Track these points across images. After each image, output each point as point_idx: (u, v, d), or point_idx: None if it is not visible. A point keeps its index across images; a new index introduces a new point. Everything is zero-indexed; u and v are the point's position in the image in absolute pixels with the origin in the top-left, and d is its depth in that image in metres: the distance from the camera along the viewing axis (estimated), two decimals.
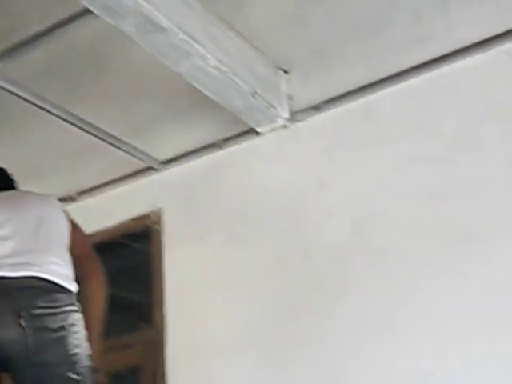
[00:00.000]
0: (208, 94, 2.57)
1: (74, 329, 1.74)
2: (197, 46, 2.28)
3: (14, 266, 1.71)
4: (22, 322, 1.64)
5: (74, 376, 1.70)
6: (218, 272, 2.91)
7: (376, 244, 2.52)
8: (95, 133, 2.84)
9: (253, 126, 2.87)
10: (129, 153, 3.01)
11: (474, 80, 2.46)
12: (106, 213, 3.28)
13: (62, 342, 1.69)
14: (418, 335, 2.32)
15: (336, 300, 2.55)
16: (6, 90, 2.51)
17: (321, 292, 2.60)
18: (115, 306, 3.68)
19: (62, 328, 1.70)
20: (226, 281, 2.87)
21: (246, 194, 2.95)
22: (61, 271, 1.80)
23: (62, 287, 1.76)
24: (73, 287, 1.83)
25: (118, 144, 2.94)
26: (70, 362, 1.70)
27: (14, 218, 1.85)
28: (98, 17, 2.13)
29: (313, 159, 2.79)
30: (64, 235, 1.96)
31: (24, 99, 2.59)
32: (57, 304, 1.72)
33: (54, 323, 1.68)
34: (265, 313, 2.71)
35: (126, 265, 3.33)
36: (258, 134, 2.92)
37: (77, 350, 1.72)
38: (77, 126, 2.82)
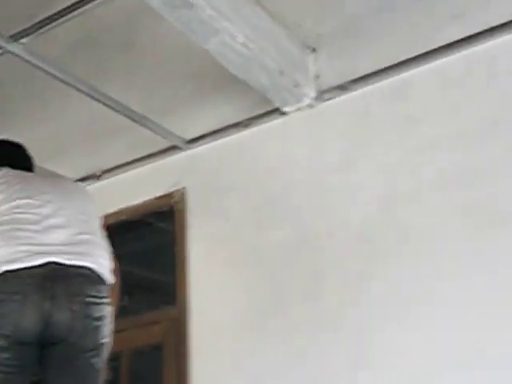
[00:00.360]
0: (234, 72, 2.54)
1: (106, 321, 1.87)
2: (225, 23, 2.25)
3: (69, 254, 1.81)
4: (74, 307, 1.76)
5: (96, 364, 1.84)
6: (242, 250, 2.91)
7: (403, 222, 2.50)
8: (121, 110, 2.84)
9: (279, 105, 2.84)
10: (154, 131, 3.00)
11: (508, 59, 2.39)
12: (130, 191, 3.28)
13: (97, 330, 1.81)
14: (444, 312, 2.30)
15: (362, 278, 2.54)
16: (33, 65, 2.50)
17: (346, 270, 2.58)
18: (138, 284, 3.73)
19: (100, 318, 1.82)
20: (251, 259, 2.86)
21: (271, 174, 2.93)
22: (105, 264, 1.91)
23: (104, 280, 1.88)
24: (111, 280, 1.93)
25: (143, 122, 2.93)
26: (98, 350, 1.83)
27: (65, 208, 1.94)
28: None
29: (339, 138, 2.76)
30: (100, 225, 2.07)
31: (51, 75, 2.58)
32: (100, 295, 1.84)
33: (96, 312, 1.80)
34: (290, 290, 2.70)
35: (149, 243, 3.35)
36: (283, 113, 2.89)
37: (104, 341, 1.86)
38: (103, 104, 2.82)
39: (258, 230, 2.90)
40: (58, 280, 1.76)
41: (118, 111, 2.84)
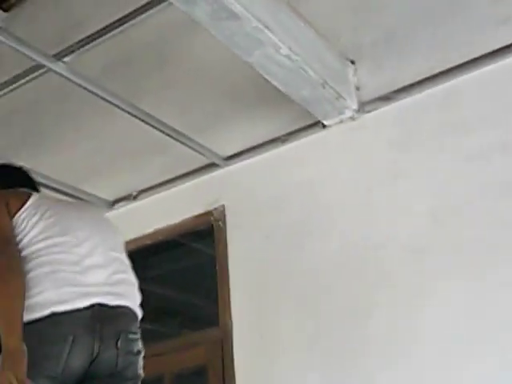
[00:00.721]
0: (277, 84, 2.50)
1: (142, 354, 1.94)
2: (269, 35, 2.22)
3: (111, 295, 1.87)
4: (119, 345, 1.83)
5: None
6: (284, 270, 2.84)
7: (455, 236, 2.41)
8: (158, 127, 2.79)
9: (320, 118, 2.79)
10: (191, 148, 2.95)
11: None
12: (167, 211, 3.23)
13: (136, 364, 1.90)
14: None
15: (413, 296, 2.45)
16: (74, 83, 2.49)
17: (396, 288, 2.50)
18: (178, 306, 3.67)
19: (138, 352, 1.91)
20: (293, 279, 2.79)
21: (313, 190, 2.87)
22: (138, 301, 1.99)
23: (138, 316, 1.97)
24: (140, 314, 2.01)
25: (180, 139, 2.88)
26: (136, 380, 1.90)
27: (99, 245, 1.97)
28: (170, 4, 2.09)
29: (383, 150, 2.69)
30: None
31: (91, 93, 2.56)
32: (137, 331, 1.93)
33: (135, 348, 1.89)
34: (335, 308, 2.62)
35: (188, 263, 3.29)
36: (324, 126, 2.84)
37: (140, 373, 1.93)
38: (141, 120, 2.77)
39: (300, 247, 2.82)
40: (104, 321, 1.82)
41: (155, 128, 2.79)
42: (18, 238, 1.87)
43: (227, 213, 3.05)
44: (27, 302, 1.76)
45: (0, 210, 1.90)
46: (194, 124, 2.96)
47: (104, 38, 2.43)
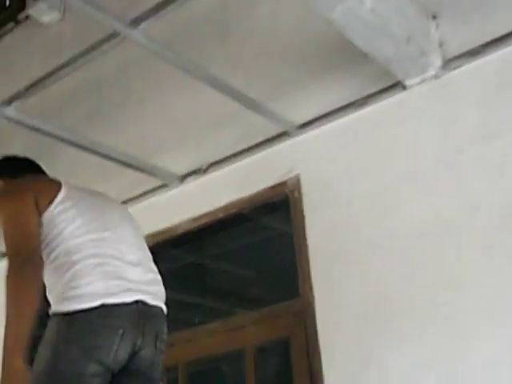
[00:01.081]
0: (358, 42, 2.37)
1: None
2: None
3: (150, 294, 1.90)
4: (157, 344, 1.88)
5: None
6: (366, 238, 2.72)
7: None
8: (230, 95, 2.69)
9: (401, 78, 2.64)
10: (265, 115, 2.85)
11: None
12: (239, 183, 3.16)
13: (160, 365, 1.95)
14: None
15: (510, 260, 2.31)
16: (151, 51, 2.41)
17: (491, 254, 2.36)
18: (257, 278, 3.61)
19: (163, 351, 1.96)
20: (376, 247, 2.67)
21: (392, 155, 2.73)
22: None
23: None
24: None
25: (252, 107, 2.78)
26: (159, 381, 1.95)
27: (133, 244, 2.00)
28: None
29: (472, 109, 2.53)
30: None
31: (166, 60, 2.48)
32: (166, 331, 1.98)
33: (164, 349, 1.94)
34: (422, 280, 2.50)
35: (264, 236, 3.21)
36: (404, 88, 2.70)
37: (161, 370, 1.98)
38: (212, 87, 2.67)
39: (380, 216, 2.71)
40: (146, 319, 1.86)
41: (227, 95, 2.70)
42: (54, 232, 1.88)
43: (302, 182, 2.95)
44: (75, 292, 1.79)
45: (28, 208, 1.89)
46: (265, 91, 2.85)
47: (175, 3, 2.35)
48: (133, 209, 3.50)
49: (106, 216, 2.00)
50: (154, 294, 1.92)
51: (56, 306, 1.82)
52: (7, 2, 5.03)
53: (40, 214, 1.89)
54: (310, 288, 2.76)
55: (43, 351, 1.77)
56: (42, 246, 1.87)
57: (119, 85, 2.76)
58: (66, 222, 1.88)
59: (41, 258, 1.84)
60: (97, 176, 3.67)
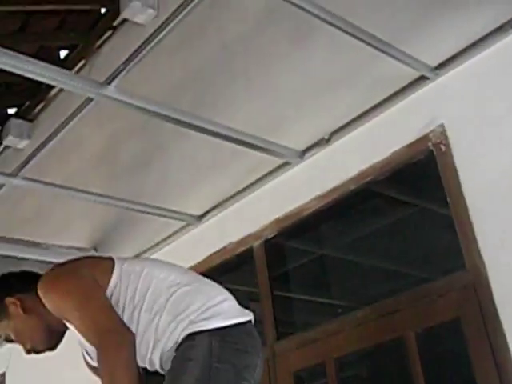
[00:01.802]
0: None
1: None
2: None
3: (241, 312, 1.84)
4: (261, 355, 1.81)
5: None
6: None
7: None
8: (363, 38, 2.28)
9: None
10: (398, 60, 2.40)
11: None
12: (369, 148, 2.73)
13: None
14: None
15: None
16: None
17: None
18: (403, 253, 3.17)
19: None
20: None
21: None
22: None
23: None
24: None
25: (385, 50, 2.35)
26: None
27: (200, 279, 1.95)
28: None
29: None
30: None
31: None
32: None
33: None
34: None
35: (409, 200, 2.77)
36: None
37: None
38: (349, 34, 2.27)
39: None
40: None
41: (361, 40, 2.28)
42: (131, 288, 1.82)
43: (449, 133, 2.48)
44: (214, 310, 1.74)
45: (94, 286, 1.80)
46: (396, 32, 2.43)
47: None
48: (250, 197, 3.21)
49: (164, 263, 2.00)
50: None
51: (197, 325, 1.72)
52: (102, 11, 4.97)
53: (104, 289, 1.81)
54: (479, 257, 2.28)
55: (193, 369, 1.65)
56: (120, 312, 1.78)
57: (239, 58, 2.46)
58: (137, 275, 1.83)
59: (128, 329, 1.74)
60: (210, 163, 3.44)
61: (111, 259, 1.90)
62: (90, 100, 2.48)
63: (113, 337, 1.69)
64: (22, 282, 1.96)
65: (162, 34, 2.29)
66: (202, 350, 1.67)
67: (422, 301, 2.44)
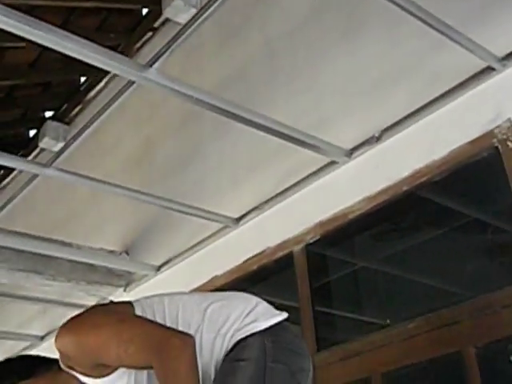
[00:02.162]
0: None
1: None
2: None
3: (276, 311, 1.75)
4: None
5: None
6: None
7: None
8: (431, 23, 2.09)
9: None
10: (464, 47, 2.21)
11: None
12: (425, 146, 2.54)
13: None
14: None
15: None
16: None
17: None
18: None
19: None
20: None
21: None
22: None
23: None
24: None
25: (451, 35, 2.15)
26: None
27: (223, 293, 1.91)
28: None
29: None
30: None
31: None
32: None
33: None
34: None
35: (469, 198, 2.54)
36: None
37: None
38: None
39: None
40: None
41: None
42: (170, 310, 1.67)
43: None
44: (255, 312, 1.65)
45: (122, 311, 1.64)
46: (457, 19, 2.24)
47: None
48: (292, 198, 3.04)
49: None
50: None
51: (244, 330, 1.61)
52: (143, 11, 4.91)
53: None
54: None
55: (247, 369, 1.54)
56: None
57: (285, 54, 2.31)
58: (160, 303, 1.68)
59: (184, 332, 1.56)
60: (250, 163, 3.29)
61: (125, 302, 1.73)
62: (131, 83, 2.35)
63: (172, 341, 1.49)
64: (26, 367, 1.68)
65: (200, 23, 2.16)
66: (256, 350, 1.56)
67: (483, 312, 2.21)
